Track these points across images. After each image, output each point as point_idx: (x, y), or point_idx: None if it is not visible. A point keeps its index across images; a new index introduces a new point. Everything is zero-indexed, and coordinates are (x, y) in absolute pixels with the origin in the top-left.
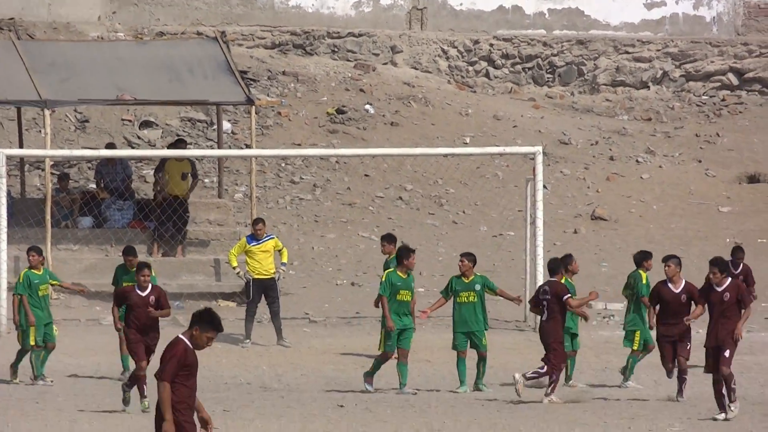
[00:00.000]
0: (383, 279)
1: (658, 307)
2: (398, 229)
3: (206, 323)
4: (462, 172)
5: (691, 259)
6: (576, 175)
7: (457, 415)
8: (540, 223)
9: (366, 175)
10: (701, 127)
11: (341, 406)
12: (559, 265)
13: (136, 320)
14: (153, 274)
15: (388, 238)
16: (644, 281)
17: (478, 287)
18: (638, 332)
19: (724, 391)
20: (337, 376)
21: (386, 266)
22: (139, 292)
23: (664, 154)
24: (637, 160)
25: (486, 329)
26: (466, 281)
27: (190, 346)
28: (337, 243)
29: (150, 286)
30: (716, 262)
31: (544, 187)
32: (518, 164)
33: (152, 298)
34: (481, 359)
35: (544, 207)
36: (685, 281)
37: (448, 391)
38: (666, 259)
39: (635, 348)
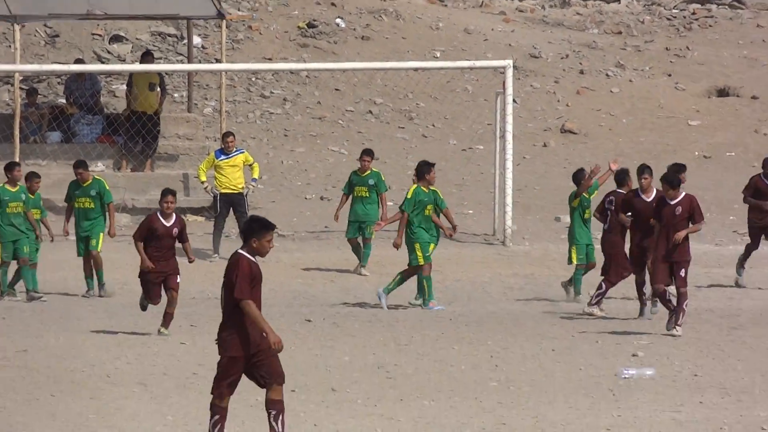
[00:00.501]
0: (409, 196)
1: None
2: (368, 143)
3: (259, 230)
4: (432, 86)
5: (661, 173)
6: (546, 88)
7: (425, 329)
8: (509, 136)
9: (336, 90)
10: (671, 41)
11: (309, 320)
12: (625, 177)
13: (157, 251)
14: (108, 187)
15: (370, 153)
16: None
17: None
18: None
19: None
20: (305, 291)
21: (360, 181)
22: (164, 221)
23: (634, 68)
24: (607, 74)
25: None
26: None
27: (252, 259)
28: (306, 157)
29: (174, 215)
30: (671, 179)
31: (514, 100)
32: (488, 78)
33: (176, 229)
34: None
35: (514, 120)
36: (656, 190)
37: (418, 306)
38: (642, 171)
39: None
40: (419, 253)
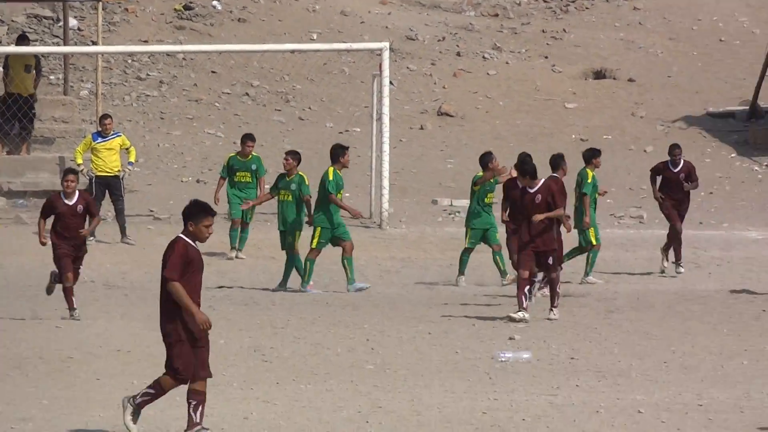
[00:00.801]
0: (330, 178)
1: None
2: (244, 125)
3: (196, 213)
4: (309, 68)
5: (538, 156)
6: (423, 71)
7: (301, 312)
8: (386, 119)
9: (213, 72)
10: (548, 23)
11: None
12: (560, 162)
13: (65, 230)
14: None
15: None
16: (590, 179)
17: (293, 187)
18: (593, 229)
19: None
20: None
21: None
22: (65, 200)
23: (510, 51)
24: (483, 57)
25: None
26: (288, 179)
27: (191, 243)
28: (182, 140)
29: (77, 193)
30: (523, 168)
31: (391, 83)
32: (365, 60)
33: (80, 206)
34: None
35: (391, 103)
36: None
37: (296, 290)
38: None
39: (595, 243)
40: (316, 237)
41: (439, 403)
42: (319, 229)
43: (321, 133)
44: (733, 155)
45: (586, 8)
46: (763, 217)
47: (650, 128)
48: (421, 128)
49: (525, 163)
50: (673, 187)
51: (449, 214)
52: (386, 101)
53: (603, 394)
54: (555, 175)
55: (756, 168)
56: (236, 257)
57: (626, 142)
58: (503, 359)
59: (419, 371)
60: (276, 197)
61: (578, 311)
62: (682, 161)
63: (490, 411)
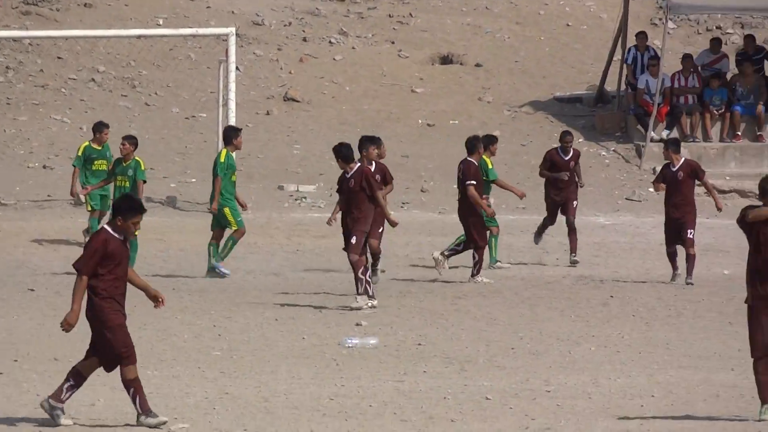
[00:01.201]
0: (222, 160)
1: None
2: (90, 111)
3: (127, 210)
4: (155, 53)
5: (385, 141)
6: (269, 56)
7: (147, 298)
8: (232, 104)
9: (59, 57)
10: (394, 7)
11: (32, 290)
12: (476, 144)
13: None
14: None
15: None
16: (490, 165)
17: (130, 172)
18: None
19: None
20: (27, 260)
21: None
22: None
23: (357, 36)
24: (330, 42)
25: None
26: (125, 164)
27: (114, 235)
28: (29, 126)
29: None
30: (337, 153)
31: (237, 68)
32: (211, 46)
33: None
34: None
35: (237, 88)
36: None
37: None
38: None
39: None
40: (231, 219)
41: (285, 389)
42: (227, 209)
43: (167, 119)
44: (580, 140)
45: None
46: (610, 202)
47: (497, 113)
48: (268, 114)
49: (342, 148)
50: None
51: (295, 199)
52: (232, 87)
53: (450, 380)
54: (470, 159)
55: (603, 153)
56: None
57: (473, 127)
58: (350, 345)
59: (266, 357)
60: (113, 182)
61: (424, 297)
62: (572, 150)
63: (338, 397)
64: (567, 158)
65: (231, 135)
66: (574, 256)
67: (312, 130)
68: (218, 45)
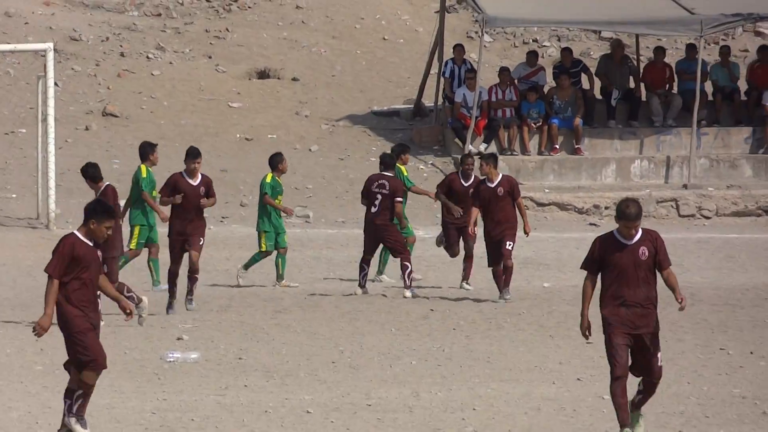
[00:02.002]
0: (143, 175)
1: None
2: None
3: (100, 213)
4: None
5: (204, 155)
6: (87, 71)
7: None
8: (51, 120)
9: None
10: (211, 22)
11: None
12: (393, 159)
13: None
14: None
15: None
16: (405, 173)
17: None
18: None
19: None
20: None
21: None
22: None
23: (174, 50)
24: (147, 57)
25: None
26: None
27: (83, 240)
28: None
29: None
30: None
31: (56, 84)
32: (30, 61)
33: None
34: None
35: (56, 104)
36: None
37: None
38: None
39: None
40: (134, 238)
41: (108, 403)
42: (138, 227)
43: None
44: None
45: (249, 7)
46: (429, 216)
47: (315, 127)
48: (87, 129)
49: (87, 168)
50: (459, 201)
51: None
52: (51, 102)
53: (271, 394)
54: (389, 174)
55: (421, 166)
56: None
57: (291, 141)
58: (171, 359)
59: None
60: None
61: (245, 311)
62: (474, 176)
63: (159, 411)
64: (467, 184)
65: (147, 151)
66: (467, 283)
67: (131, 146)
68: (36, 60)
